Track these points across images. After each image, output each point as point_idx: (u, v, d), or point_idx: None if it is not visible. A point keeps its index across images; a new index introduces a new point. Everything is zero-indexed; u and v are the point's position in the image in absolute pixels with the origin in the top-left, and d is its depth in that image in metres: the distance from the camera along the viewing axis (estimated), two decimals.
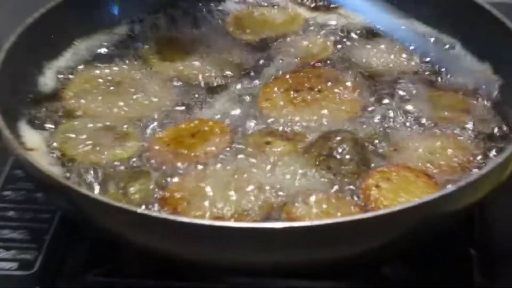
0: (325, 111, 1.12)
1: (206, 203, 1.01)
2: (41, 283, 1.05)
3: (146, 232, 0.96)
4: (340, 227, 0.93)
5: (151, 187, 1.04)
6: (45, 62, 1.19)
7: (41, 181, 1.00)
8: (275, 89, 1.16)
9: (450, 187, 0.97)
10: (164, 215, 0.98)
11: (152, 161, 1.07)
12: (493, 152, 1.08)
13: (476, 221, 1.10)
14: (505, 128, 1.11)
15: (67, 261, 1.08)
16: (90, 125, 1.11)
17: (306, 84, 1.16)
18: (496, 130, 1.11)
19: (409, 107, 1.14)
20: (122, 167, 1.07)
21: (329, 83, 1.16)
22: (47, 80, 1.17)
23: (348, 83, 1.16)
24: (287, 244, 0.94)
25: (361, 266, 1.02)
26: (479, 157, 1.07)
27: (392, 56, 1.20)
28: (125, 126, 1.11)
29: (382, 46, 1.22)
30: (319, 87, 1.15)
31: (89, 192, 0.98)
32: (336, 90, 1.15)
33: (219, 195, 1.02)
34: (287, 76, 1.17)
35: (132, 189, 1.04)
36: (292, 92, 1.15)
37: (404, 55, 1.21)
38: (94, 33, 1.23)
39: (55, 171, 1.04)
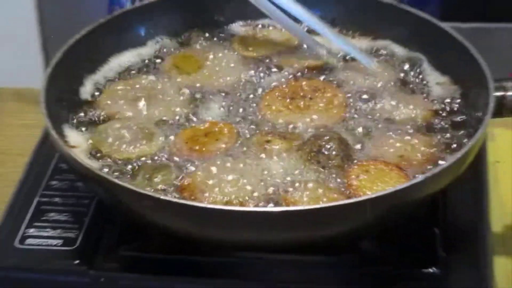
0: (316, 115, 1.14)
1: (217, 191, 1.03)
2: (81, 256, 1.07)
3: (168, 215, 0.98)
4: (327, 211, 0.96)
5: (172, 177, 1.06)
6: (85, 75, 1.20)
7: (81, 173, 1.03)
8: (274, 96, 1.17)
9: (418, 178, 0.99)
10: (182, 201, 1.00)
11: (173, 156, 1.09)
12: (455, 148, 1.09)
13: (440, 205, 1.12)
14: (464, 128, 1.12)
15: (102, 238, 1.09)
16: (122, 127, 1.12)
17: (300, 93, 1.17)
18: (457, 129, 1.12)
19: (387, 111, 1.15)
20: (147, 161, 1.08)
21: (320, 92, 1.17)
22: (87, 90, 1.19)
23: (336, 92, 1.17)
24: (283, 225, 0.96)
25: (343, 242, 1.04)
26: (443, 153, 1.08)
27: (373, 71, 1.21)
28: (151, 127, 1.13)
29: (364, 64, 1.22)
30: (311, 95, 1.17)
31: (120, 181, 1.00)
32: (325, 98, 1.16)
33: (228, 184, 1.04)
34: (284, 86, 1.19)
35: (156, 179, 1.05)
36: (288, 99, 1.17)
37: (384, 70, 1.21)
38: (125, 51, 1.24)
39: (92, 164, 1.06)
